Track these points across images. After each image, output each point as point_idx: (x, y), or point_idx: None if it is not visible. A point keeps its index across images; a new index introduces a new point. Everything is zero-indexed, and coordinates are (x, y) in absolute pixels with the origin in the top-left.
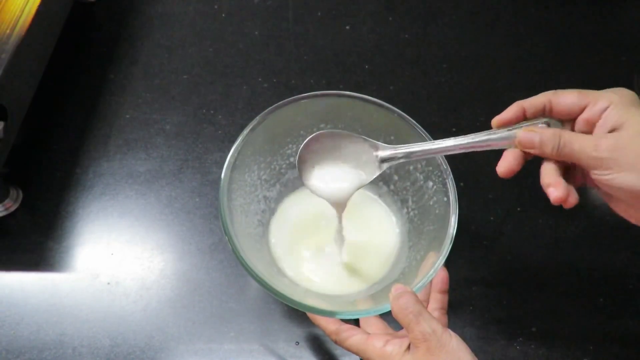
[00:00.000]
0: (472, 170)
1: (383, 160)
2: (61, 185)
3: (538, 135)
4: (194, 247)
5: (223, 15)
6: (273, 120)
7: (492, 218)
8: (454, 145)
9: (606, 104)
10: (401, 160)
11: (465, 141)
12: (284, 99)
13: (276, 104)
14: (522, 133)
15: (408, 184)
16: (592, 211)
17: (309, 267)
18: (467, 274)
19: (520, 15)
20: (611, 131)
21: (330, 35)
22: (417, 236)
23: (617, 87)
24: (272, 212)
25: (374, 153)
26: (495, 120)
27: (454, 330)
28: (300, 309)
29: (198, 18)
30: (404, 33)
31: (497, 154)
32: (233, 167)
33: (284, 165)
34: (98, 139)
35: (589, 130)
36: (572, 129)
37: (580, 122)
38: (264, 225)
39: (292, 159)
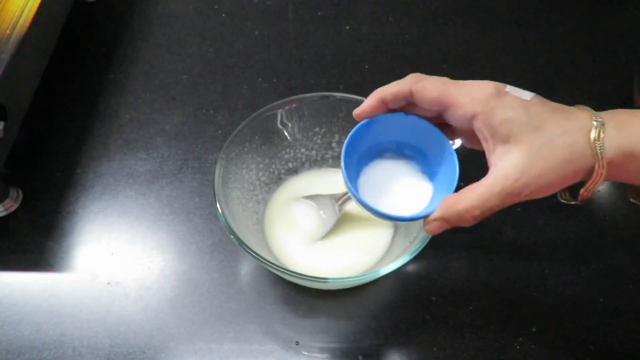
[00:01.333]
0: (472, 170)
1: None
2: (61, 185)
3: (442, 217)
4: (194, 247)
5: (223, 15)
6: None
7: (492, 218)
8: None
9: (470, 112)
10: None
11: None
12: (284, 99)
13: (267, 106)
14: (427, 226)
15: None
16: (592, 211)
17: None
18: (467, 274)
19: (520, 15)
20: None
21: (330, 35)
22: (409, 224)
23: (479, 82)
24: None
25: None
26: (356, 113)
27: (453, 331)
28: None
29: (198, 18)
30: (404, 33)
31: None
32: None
33: (283, 170)
34: (98, 139)
35: (459, 126)
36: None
37: (450, 122)
38: (259, 213)
39: (290, 165)
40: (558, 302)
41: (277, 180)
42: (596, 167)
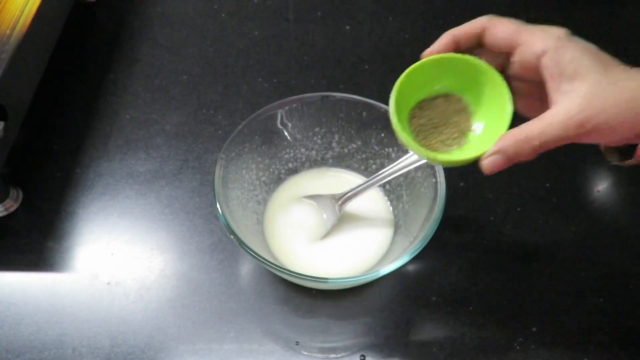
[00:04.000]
0: (472, 170)
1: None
2: (61, 185)
3: (500, 149)
4: (194, 247)
5: (223, 15)
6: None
7: (492, 218)
8: (393, 171)
9: (541, 47)
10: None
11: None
12: (284, 99)
13: (266, 106)
14: (484, 162)
15: (401, 179)
16: (592, 211)
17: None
18: (467, 274)
19: (520, 15)
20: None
21: (330, 35)
22: (409, 224)
23: (550, 26)
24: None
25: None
26: (427, 53)
27: (453, 331)
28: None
29: (198, 18)
30: (404, 33)
31: None
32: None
33: (283, 171)
34: (98, 139)
35: (524, 75)
36: (506, 65)
37: (515, 65)
38: (259, 213)
39: (290, 165)
40: (558, 302)
41: (277, 180)
42: None
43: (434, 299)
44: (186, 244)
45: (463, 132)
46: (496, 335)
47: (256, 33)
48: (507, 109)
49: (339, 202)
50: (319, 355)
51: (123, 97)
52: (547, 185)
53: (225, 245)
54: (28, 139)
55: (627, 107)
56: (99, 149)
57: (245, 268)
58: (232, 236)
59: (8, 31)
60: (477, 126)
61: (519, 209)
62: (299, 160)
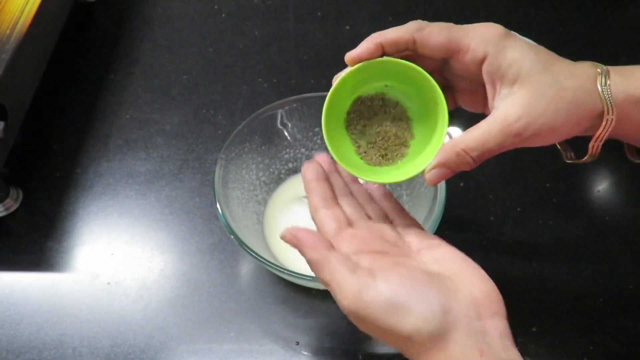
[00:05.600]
0: (472, 170)
1: None
2: (61, 185)
3: (440, 163)
4: (194, 247)
5: (223, 15)
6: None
7: (492, 218)
8: None
9: (481, 53)
10: None
11: None
12: (284, 99)
13: (267, 106)
14: (427, 176)
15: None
16: (592, 211)
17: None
18: None
19: (520, 15)
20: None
21: (330, 35)
22: None
23: (484, 24)
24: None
25: None
26: (349, 57)
27: None
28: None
29: (198, 18)
30: None
31: (497, 155)
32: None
33: (283, 171)
34: (98, 139)
35: (464, 75)
36: (444, 67)
37: (454, 68)
38: (259, 213)
39: (290, 165)
40: (558, 302)
41: (277, 180)
42: (605, 112)
43: None
44: (186, 244)
45: (403, 143)
46: None
47: (256, 33)
48: (444, 116)
49: None
50: (319, 355)
51: (123, 97)
52: (547, 185)
53: (225, 245)
54: (28, 139)
55: (568, 108)
56: (99, 149)
57: (245, 268)
58: (232, 236)
59: (8, 31)
60: (417, 132)
61: (519, 209)
62: (299, 160)
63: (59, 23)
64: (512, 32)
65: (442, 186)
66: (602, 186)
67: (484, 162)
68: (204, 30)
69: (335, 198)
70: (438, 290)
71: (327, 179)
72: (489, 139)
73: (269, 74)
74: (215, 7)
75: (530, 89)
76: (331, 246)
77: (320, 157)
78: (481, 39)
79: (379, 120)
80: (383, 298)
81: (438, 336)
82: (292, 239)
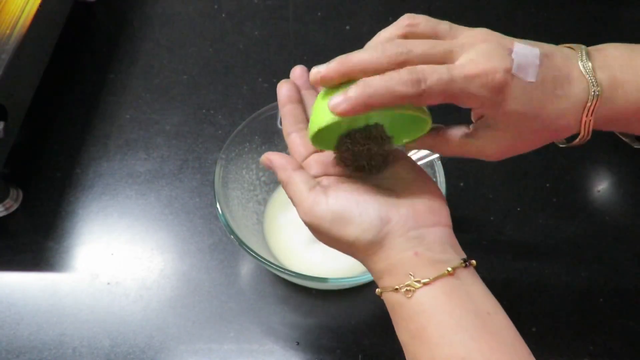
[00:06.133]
0: (472, 170)
1: None
2: (61, 185)
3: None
4: (194, 247)
5: (223, 15)
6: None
7: (492, 218)
8: None
9: (479, 113)
10: None
11: None
12: None
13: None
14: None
15: None
16: (592, 211)
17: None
18: None
19: (520, 15)
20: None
21: (330, 35)
22: None
23: (485, 76)
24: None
25: None
26: (321, 73)
27: None
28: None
29: (198, 18)
30: None
31: None
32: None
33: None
34: (98, 139)
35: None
36: None
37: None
38: (259, 213)
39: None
40: (558, 302)
41: (277, 180)
42: (590, 85)
43: None
44: (186, 244)
45: (382, 154)
46: None
47: (256, 33)
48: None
49: None
50: (319, 355)
51: (123, 97)
52: (547, 185)
53: (225, 245)
54: (28, 139)
55: (543, 138)
56: (99, 149)
57: (245, 268)
58: (232, 236)
59: (8, 31)
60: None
61: (519, 209)
62: None
63: (59, 23)
64: (514, 66)
65: (442, 186)
66: (602, 186)
67: (484, 162)
68: (204, 30)
69: (306, 120)
70: (380, 203)
71: (300, 101)
72: (460, 152)
73: (269, 74)
74: (215, 7)
75: (514, 135)
76: (299, 168)
77: (296, 72)
78: (483, 101)
79: (362, 143)
80: (330, 212)
81: (377, 243)
82: (267, 162)
